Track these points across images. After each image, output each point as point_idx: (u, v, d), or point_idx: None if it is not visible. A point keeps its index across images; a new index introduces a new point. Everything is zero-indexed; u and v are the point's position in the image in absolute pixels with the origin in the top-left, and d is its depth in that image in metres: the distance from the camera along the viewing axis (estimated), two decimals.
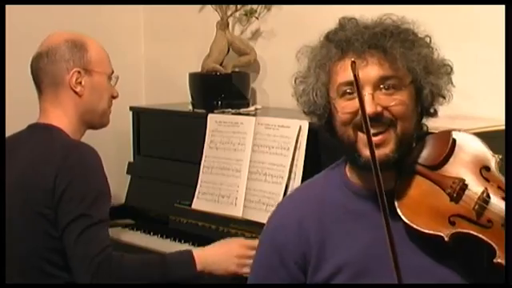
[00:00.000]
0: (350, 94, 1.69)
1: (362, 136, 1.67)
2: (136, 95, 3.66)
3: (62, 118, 2.28)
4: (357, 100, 1.63)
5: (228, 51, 3.19)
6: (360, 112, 1.59)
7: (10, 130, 2.45)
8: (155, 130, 3.22)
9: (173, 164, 3.05)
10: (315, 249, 1.76)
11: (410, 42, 1.72)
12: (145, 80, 3.82)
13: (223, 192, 2.76)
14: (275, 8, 3.18)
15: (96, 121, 2.36)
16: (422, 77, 1.71)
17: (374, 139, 1.64)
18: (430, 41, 1.76)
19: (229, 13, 3.18)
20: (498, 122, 2.38)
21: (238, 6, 3.18)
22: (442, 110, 2.41)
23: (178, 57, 3.59)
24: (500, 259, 1.60)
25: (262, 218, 2.07)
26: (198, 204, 2.84)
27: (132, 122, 3.27)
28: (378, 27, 1.72)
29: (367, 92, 1.66)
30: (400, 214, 1.69)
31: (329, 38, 1.76)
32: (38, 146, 2.25)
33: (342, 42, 1.71)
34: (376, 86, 1.67)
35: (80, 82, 2.27)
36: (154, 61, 3.78)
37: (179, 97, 3.34)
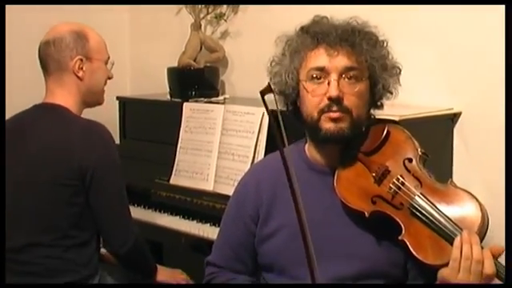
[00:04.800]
0: (317, 79, 1.79)
1: (323, 116, 1.78)
2: (122, 87, 3.69)
3: (67, 97, 2.36)
4: (325, 84, 1.76)
5: (201, 49, 3.30)
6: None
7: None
8: (138, 116, 3.33)
9: (153, 146, 3.15)
10: (265, 206, 1.90)
11: (373, 41, 1.84)
12: (129, 73, 3.91)
13: (197, 169, 2.89)
14: (241, 12, 3.31)
15: (94, 100, 2.45)
16: (378, 73, 1.82)
17: (333, 115, 1.77)
18: (387, 44, 1.88)
19: (201, 16, 3.31)
20: (426, 109, 2.53)
21: (210, 10, 3.29)
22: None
23: (157, 54, 3.69)
24: (404, 237, 1.72)
25: (231, 191, 2.13)
26: (176, 180, 2.97)
27: (118, 110, 3.38)
28: (348, 26, 1.84)
29: (333, 78, 1.77)
30: (336, 189, 1.82)
31: (304, 29, 1.86)
32: (56, 125, 2.32)
33: (318, 34, 1.81)
34: (340, 75, 1.78)
35: (81, 68, 2.36)
36: (138, 57, 3.88)
37: (159, 88, 3.43)
